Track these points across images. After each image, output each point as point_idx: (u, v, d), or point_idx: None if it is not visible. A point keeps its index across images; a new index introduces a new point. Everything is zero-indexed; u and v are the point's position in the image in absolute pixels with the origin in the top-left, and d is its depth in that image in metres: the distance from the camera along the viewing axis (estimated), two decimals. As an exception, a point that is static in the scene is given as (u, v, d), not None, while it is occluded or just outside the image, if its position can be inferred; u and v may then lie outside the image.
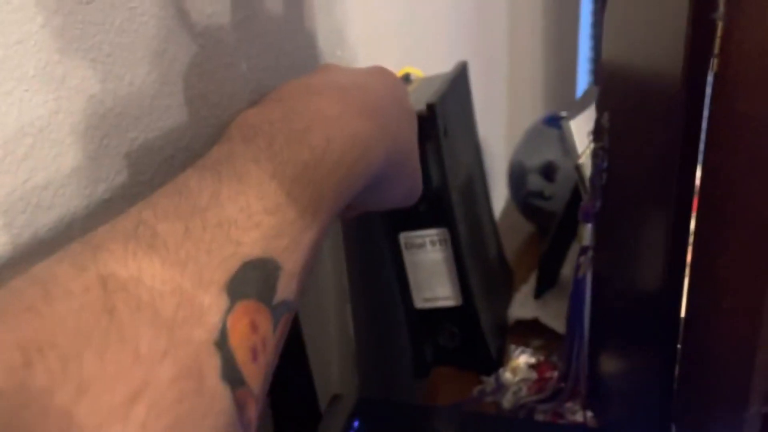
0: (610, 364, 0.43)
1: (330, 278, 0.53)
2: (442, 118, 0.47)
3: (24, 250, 0.23)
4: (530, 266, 0.67)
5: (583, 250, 0.40)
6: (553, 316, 0.57)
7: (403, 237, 0.50)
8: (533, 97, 1.15)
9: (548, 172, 0.67)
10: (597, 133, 0.38)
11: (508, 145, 0.83)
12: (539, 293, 0.61)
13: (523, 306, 0.59)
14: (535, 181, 0.68)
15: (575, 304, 0.42)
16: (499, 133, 0.92)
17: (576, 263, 0.41)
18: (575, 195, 0.62)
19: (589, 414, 0.44)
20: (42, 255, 0.20)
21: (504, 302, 0.62)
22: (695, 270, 0.31)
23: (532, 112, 1.07)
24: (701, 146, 0.29)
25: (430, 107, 0.46)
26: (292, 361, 0.45)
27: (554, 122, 0.70)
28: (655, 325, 0.34)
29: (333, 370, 0.54)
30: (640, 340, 0.38)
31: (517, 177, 0.70)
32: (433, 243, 0.50)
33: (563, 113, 0.62)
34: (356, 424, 0.40)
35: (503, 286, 0.63)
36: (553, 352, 0.52)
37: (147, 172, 0.28)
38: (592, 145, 0.39)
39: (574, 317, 0.42)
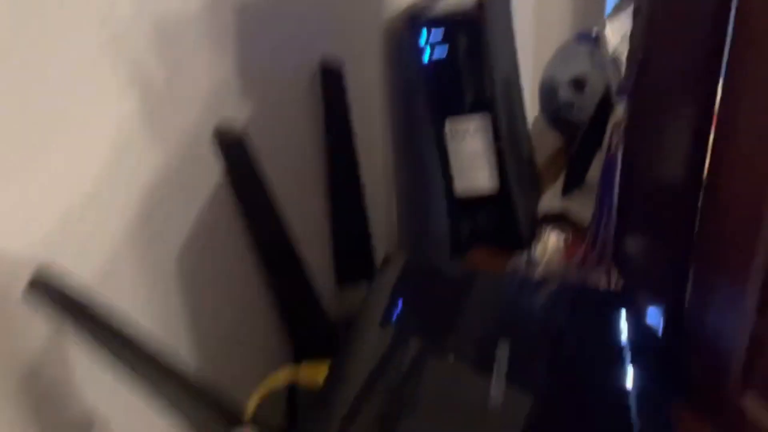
0: (635, 236, 0.48)
1: (378, 164, 0.58)
2: (490, 12, 0.52)
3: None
4: (557, 174, 0.72)
5: (617, 125, 0.45)
6: (581, 209, 0.62)
7: (449, 123, 0.55)
8: (561, 17, 1.18)
9: (579, 84, 0.71)
10: (635, 12, 0.42)
11: (536, 65, 0.87)
12: (567, 191, 0.66)
13: (551, 201, 0.64)
14: (565, 94, 0.72)
15: (606, 175, 0.47)
16: (527, 53, 0.96)
17: (609, 139, 0.45)
18: (603, 104, 0.67)
19: (614, 276, 0.49)
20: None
21: (534, 200, 0.67)
22: (716, 145, 0.35)
23: (560, 33, 1.10)
24: (728, 40, 0.33)
25: (480, 4, 0.50)
26: (353, 218, 0.50)
27: (586, 38, 0.74)
28: (680, 190, 0.39)
29: (379, 250, 0.59)
30: (664, 207, 0.43)
31: (548, 90, 0.75)
32: (475, 131, 0.55)
33: (595, 29, 0.66)
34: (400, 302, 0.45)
35: (533, 185, 0.68)
36: (580, 237, 0.57)
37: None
38: (628, 35, 0.44)
39: (604, 187, 0.47)
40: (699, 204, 0.39)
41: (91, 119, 0.27)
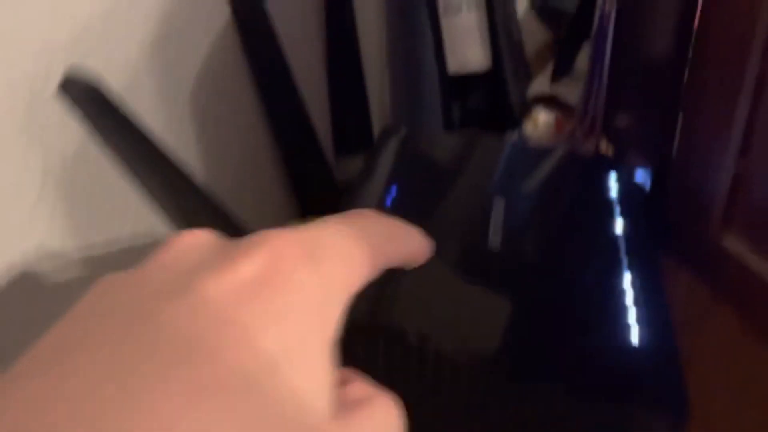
0: (625, 101, 0.49)
1: (373, 42, 0.58)
2: None
3: None
4: (546, 63, 0.73)
5: (611, -11, 0.46)
6: (570, 94, 0.64)
7: None
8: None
9: (568, -28, 0.71)
10: None
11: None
12: (556, 78, 0.67)
13: (541, 86, 0.65)
14: (555, -17, 0.73)
15: (598, 41, 0.48)
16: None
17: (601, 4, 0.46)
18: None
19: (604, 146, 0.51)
20: None
21: (524, 83, 0.68)
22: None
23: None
24: None
25: None
26: (351, 88, 0.51)
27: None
28: (668, 56, 0.41)
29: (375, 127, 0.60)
30: (653, 75, 0.44)
31: (537, -20, 0.75)
32: (469, 6, 0.55)
33: None
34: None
35: (524, 69, 0.69)
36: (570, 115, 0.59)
37: None
38: None
39: (596, 54, 0.48)
40: (687, 61, 0.41)
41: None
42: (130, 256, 0.33)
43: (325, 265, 0.19)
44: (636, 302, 0.37)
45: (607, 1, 0.47)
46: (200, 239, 0.20)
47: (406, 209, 0.44)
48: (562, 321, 0.37)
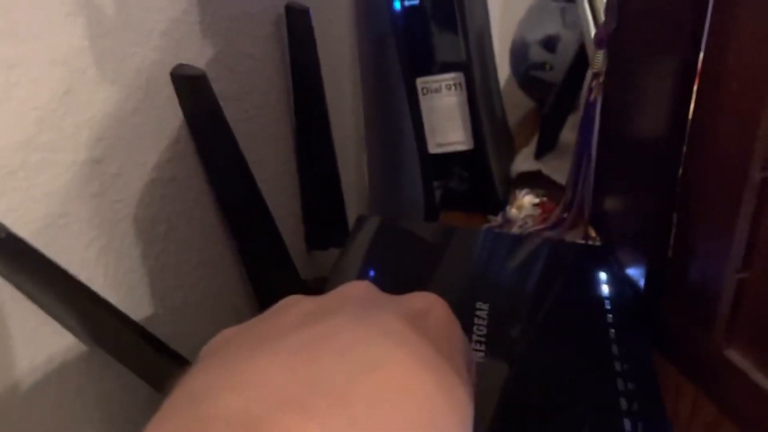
0: (614, 190, 0.47)
1: (349, 125, 0.56)
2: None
3: None
4: (530, 135, 0.71)
5: (596, 75, 0.44)
6: (555, 169, 0.61)
7: (420, 82, 0.53)
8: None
9: (550, 43, 0.70)
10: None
11: (504, 27, 0.86)
12: (540, 154, 0.65)
13: (525, 162, 0.63)
14: (537, 53, 0.71)
15: (585, 128, 0.45)
16: (495, 12, 0.95)
17: (588, 87, 0.44)
18: (575, 64, 0.66)
19: (592, 236, 0.48)
20: None
21: (507, 161, 0.65)
22: (701, 92, 0.34)
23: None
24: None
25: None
26: (323, 180, 0.48)
27: (557, -4, 0.72)
28: (660, 154, 0.38)
29: (350, 213, 0.57)
30: (646, 160, 0.42)
31: (519, 50, 0.73)
32: (448, 87, 0.53)
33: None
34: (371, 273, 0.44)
35: (507, 146, 0.66)
36: (555, 198, 0.56)
37: None
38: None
39: (582, 142, 0.46)
40: (682, 157, 0.38)
41: (35, 50, 0.25)
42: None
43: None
44: (630, 413, 0.35)
45: (594, 90, 0.45)
46: (367, 285, 0.24)
47: (386, 287, 0.41)
48: (567, 408, 0.34)
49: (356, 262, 0.44)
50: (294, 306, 0.21)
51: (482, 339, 0.39)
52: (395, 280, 0.44)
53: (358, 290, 0.23)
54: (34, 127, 0.25)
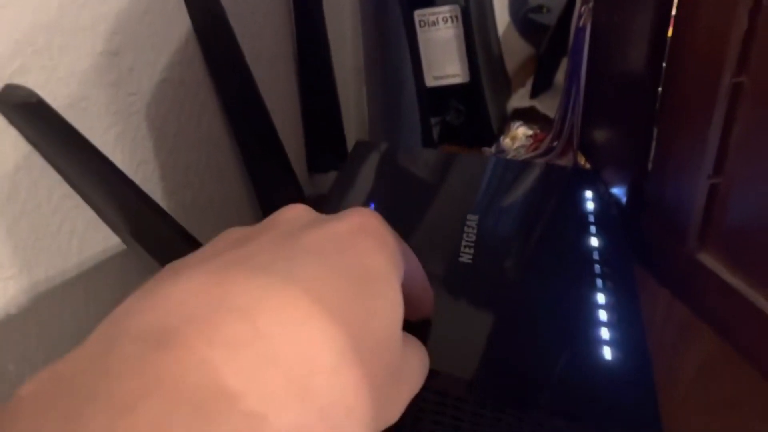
0: (601, 115, 0.49)
1: (349, 58, 0.57)
2: None
3: None
4: (527, 78, 0.73)
5: (585, 1, 0.46)
6: (549, 107, 0.63)
7: (418, 14, 0.55)
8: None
9: (548, -13, 0.71)
10: None
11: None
12: (535, 93, 0.66)
13: (521, 100, 0.65)
14: (535, -3, 0.72)
15: (575, 54, 0.47)
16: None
17: (577, 13, 0.46)
18: (571, 4, 0.67)
19: (580, 162, 0.50)
20: None
21: (503, 97, 0.67)
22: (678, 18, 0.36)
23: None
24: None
25: None
26: (324, 104, 0.50)
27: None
28: (643, 72, 0.40)
29: (349, 144, 0.59)
30: (628, 86, 0.44)
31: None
32: (445, 20, 0.55)
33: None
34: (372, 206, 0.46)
35: (503, 82, 0.68)
36: (548, 131, 0.58)
37: None
38: None
39: (572, 68, 0.48)
40: (662, 74, 0.40)
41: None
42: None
43: (399, 241, 0.25)
44: (610, 321, 0.37)
45: (583, 17, 0.46)
46: (303, 210, 0.24)
47: (385, 208, 0.43)
48: (534, 339, 0.36)
49: (353, 183, 0.47)
50: (228, 234, 0.22)
51: (471, 244, 0.41)
52: (390, 199, 0.46)
53: (292, 213, 0.23)
54: (57, 12, 0.27)
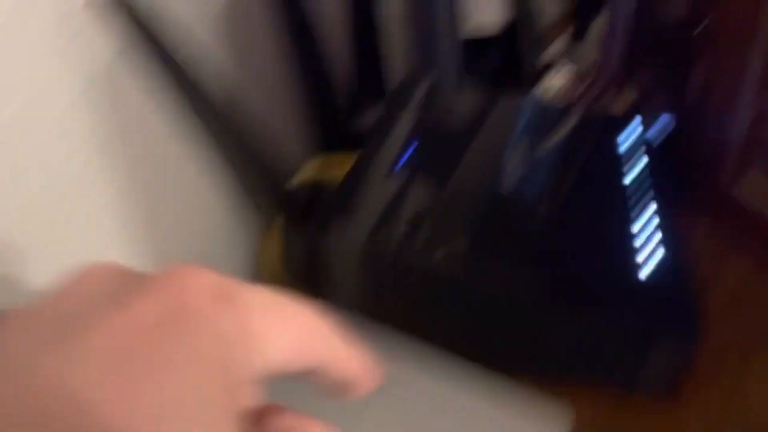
0: (641, 56, 0.49)
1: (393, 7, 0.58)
2: None
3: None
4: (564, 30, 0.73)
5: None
6: (585, 57, 0.63)
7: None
8: None
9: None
10: None
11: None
12: (573, 41, 0.67)
13: (557, 49, 0.65)
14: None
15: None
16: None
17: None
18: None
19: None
20: None
21: (540, 46, 0.67)
22: None
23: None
24: None
25: None
26: (370, 43, 0.52)
27: None
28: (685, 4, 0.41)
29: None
30: (667, 24, 0.45)
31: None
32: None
33: None
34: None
35: (540, 35, 0.68)
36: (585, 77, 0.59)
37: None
38: None
39: (615, 8, 0.48)
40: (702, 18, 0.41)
41: None
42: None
43: (246, 312, 0.17)
44: (653, 238, 0.38)
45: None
46: (104, 271, 0.18)
47: (426, 158, 0.44)
48: (587, 251, 0.38)
49: (396, 121, 0.47)
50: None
51: (513, 179, 0.42)
52: (431, 137, 0.47)
53: (87, 283, 0.18)
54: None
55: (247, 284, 0.18)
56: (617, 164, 0.44)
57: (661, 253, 0.37)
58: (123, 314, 0.16)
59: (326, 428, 0.19)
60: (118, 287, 0.17)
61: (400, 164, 0.43)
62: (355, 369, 0.21)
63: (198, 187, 0.41)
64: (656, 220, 0.40)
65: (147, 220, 0.37)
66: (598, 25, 0.72)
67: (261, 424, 0.18)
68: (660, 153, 0.45)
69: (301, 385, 0.20)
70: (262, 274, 0.48)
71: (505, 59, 0.59)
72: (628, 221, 0.39)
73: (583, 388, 0.38)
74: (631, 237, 0.38)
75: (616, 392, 0.38)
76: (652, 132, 0.47)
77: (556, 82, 0.57)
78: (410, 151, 0.44)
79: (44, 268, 0.30)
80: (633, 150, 0.45)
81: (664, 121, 0.46)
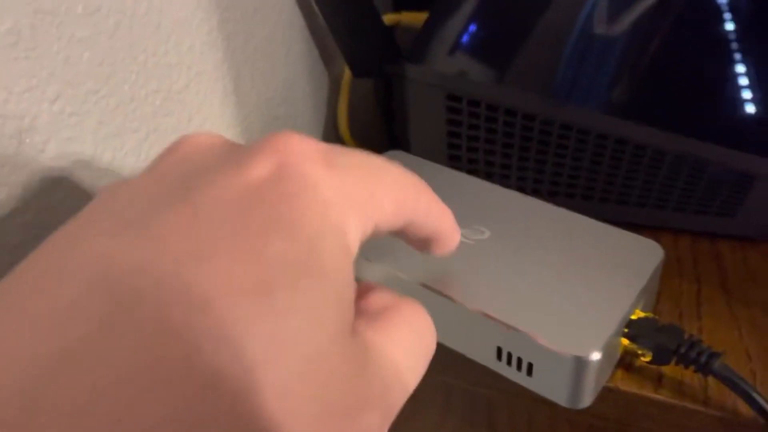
0: None
1: None
2: None
3: None
4: None
5: None
6: None
7: None
8: None
9: None
10: None
11: None
12: None
13: None
14: None
15: None
16: None
17: None
18: None
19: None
20: None
21: None
22: None
23: None
24: None
25: None
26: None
27: None
28: None
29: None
30: None
31: None
32: None
33: None
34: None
35: None
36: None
37: None
38: None
39: None
40: None
41: None
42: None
43: (348, 176, 0.17)
44: (755, 81, 0.37)
45: None
46: (205, 141, 0.18)
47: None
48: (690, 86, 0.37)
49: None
50: (111, 194, 0.17)
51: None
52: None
53: (183, 150, 0.18)
54: None
55: (344, 148, 0.18)
56: (719, 7, 0.41)
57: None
58: (238, 174, 0.16)
59: (417, 307, 0.19)
60: (225, 152, 0.18)
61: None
62: (445, 223, 0.22)
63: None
64: (763, 61, 0.38)
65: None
66: None
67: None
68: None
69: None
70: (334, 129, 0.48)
71: None
72: (733, 61, 0.38)
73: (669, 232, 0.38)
74: (737, 75, 0.37)
75: (707, 233, 0.38)
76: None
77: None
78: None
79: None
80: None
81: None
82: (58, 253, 0.15)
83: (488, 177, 0.43)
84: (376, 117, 0.47)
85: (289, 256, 0.15)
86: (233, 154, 0.17)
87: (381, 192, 0.18)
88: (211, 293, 0.14)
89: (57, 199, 0.27)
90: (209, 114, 0.36)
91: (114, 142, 0.30)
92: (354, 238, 0.17)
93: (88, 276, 0.14)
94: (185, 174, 0.17)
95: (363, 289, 0.20)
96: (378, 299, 0.19)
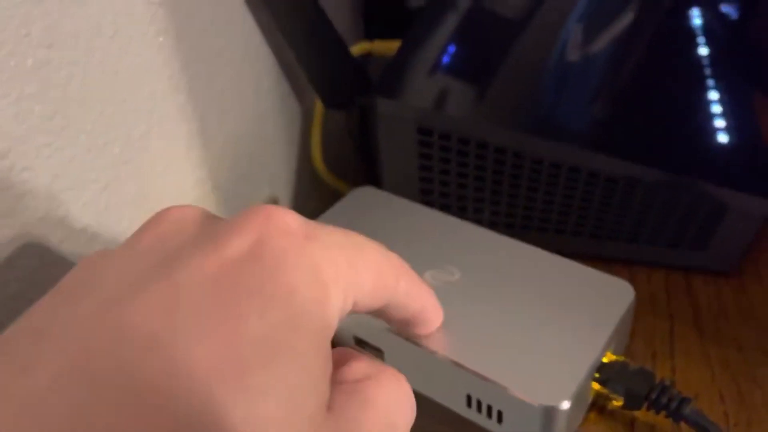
0: None
1: None
2: None
3: None
4: None
5: None
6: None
7: None
8: None
9: None
10: None
11: None
12: None
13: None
14: None
15: None
16: None
17: None
18: None
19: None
20: None
21: None
22: None
23: None
24: None
25: None
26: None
27: None
28: None
29: None
30: None
31: None
32: None
33: None
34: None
35: None
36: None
37: None
38: None
39: None
40: None
41: None
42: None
43: (327, 251, 0.17)
44: (726, 112, 0.37)
45: None
46: (185, 216, 0.18)
47: (482, 33, 0.42)
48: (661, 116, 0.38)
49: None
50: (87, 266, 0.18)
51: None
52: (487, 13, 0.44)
53: (165, 226, 0.18)
54: None
55: (324, 225, 0.18)
56: (691, 36, 0.41)
57: (739, 117, 0.37)
58: (216, 252, 0.16)
59: (396, 377, 0.19)
60: (204, 228, 0.18)
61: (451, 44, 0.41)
62: (426, 304, 0.22)
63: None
64: (734, 88, 0.38)
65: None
66: None
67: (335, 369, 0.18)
68: (737, 24, 0.42)
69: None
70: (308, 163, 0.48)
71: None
72: (705, 90, 0.38)
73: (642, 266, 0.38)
74: (709, 104, 0.37)
75: (679, 267, 0.38)
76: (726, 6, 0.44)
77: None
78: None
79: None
80: (711, 22, 0.42)
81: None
82: (39, 327, 0.15)
83: (461, 211, 0.43)
84: (351, 148, 0.47)
85: (265, 334, 0.15)
86: (212, 230, 0.17)
87: (361, 268, 0.18)
88: (193, 374, 0.14)
89: (4, 257, 0.26)
90: (174, 157, 0.36)
91: (70, 194, 0.29)
92: (333, 314, 0.17)
93: (70, 355, 0.14)
94: (165, 251, 0.17)
95: (342, 357, 0.19)
96: (357, 369, 0.19)
